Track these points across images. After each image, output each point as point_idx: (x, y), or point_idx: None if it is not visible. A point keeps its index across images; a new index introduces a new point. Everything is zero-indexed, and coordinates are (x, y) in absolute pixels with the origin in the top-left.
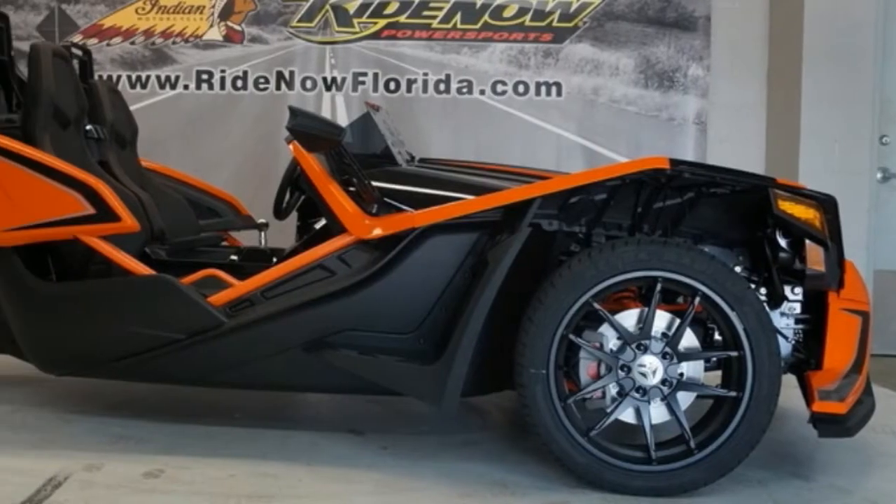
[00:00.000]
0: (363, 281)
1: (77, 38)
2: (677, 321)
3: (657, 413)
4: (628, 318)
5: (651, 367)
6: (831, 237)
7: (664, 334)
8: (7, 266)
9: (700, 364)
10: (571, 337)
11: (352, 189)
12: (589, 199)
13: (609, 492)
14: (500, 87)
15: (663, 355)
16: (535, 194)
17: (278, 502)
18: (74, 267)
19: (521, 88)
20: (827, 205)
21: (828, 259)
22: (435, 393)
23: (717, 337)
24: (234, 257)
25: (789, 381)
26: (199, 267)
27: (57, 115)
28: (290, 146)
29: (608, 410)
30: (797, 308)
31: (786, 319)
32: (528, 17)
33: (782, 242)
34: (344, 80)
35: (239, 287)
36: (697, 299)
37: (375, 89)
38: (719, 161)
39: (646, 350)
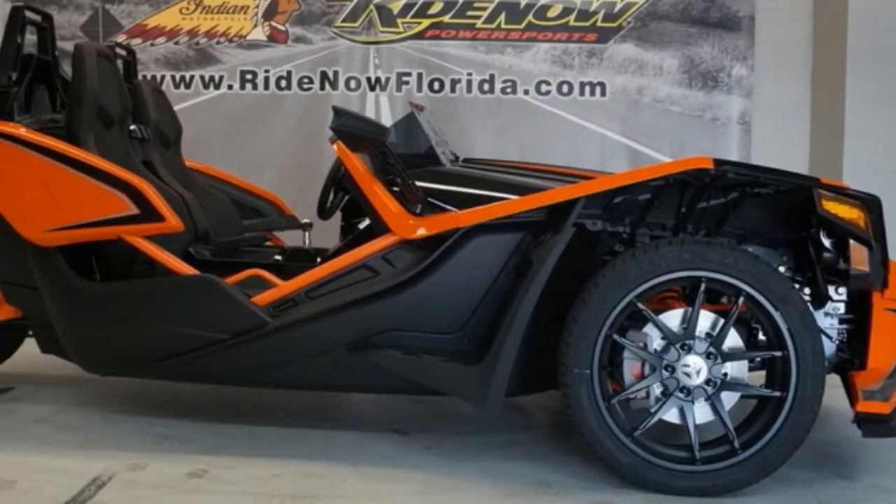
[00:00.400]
0: (407, 281)
1: (121, 38)
2: (721, 321)
3: (701, 413)
4: (672, 318)
5: (695, 367)
6: (875, 237)
7: (708, 334)
8: (51, 266)
9: (744, 364)
10: (615, 337)
11: (396, 189)
12: (633, 199)
13: (653, 492)
14: (544, 87)
15: (707, 355)
16: (580, 194)
17: (322, 502)
18: (118, 267)
19: (565, 88)
20: (871, 205)
21: (872, 259)
22: (479, 393)
23: (761, 337)
24: (278, 257)
25: (833, 381)
26: (243, 267)
27: (101, 115)
28: (334, 146)
29: (652, 410)
30: (841, 308)
31: (830, 319)
32: (573, 17)
33: (826, 242)
34: (388, 80)
35: (283, 287)
36: (741, 299)
37: (419, 89)
38: (763, 161)
39: (690, 350)
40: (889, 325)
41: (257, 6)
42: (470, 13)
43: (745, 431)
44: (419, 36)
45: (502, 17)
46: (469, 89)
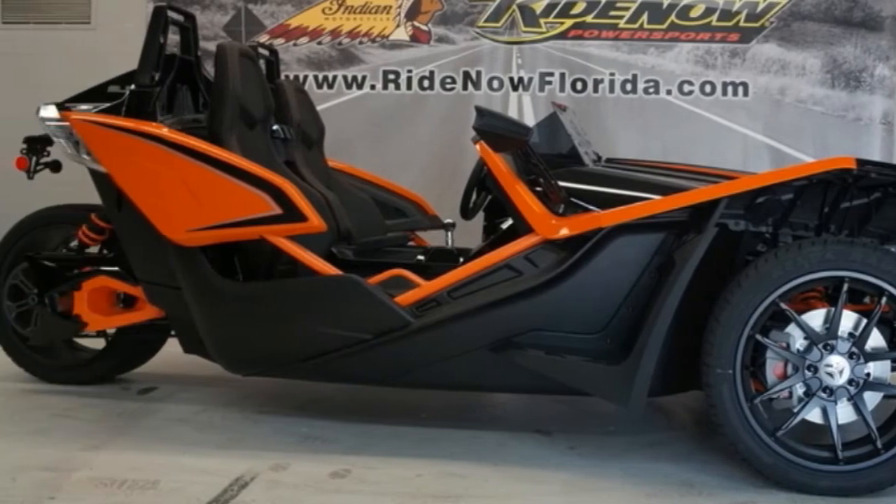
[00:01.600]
0: (550, 281)
1: (264, 38)
2: (864, 321)
3: (844, 413)
4: (815, 318)
5: (838, 367)
6: None
7: (851, 334)
8: (194, 266)
9: (887, 364)
10: (758, 337)
11: (538, 189)
12: (775, 199)
13: (796, 492)
14: (686, 87)
15: (850, 355)
16: (722, 194)
17: (465, 502)
18: (261, 267)
19: (707, 88)
20: None
21: None
22: (622, 393)
23: None
24: (420, 257)
25: None
26: (386, 267)
27: (243, 115)
28: (477, 146)
29: (795, 410)
30: None
31: None
32: (715, 17)
33: None
34: (530, 80)
35: (426, 287)
36: (884, 299)
37: (562, 89)
38: None
39: (833, 350)
40: None
41: (400, 6)
42: (612, 13)
43: (887, 431)
44: (562, 36)
45: (645, 17)
46: (612, 89)
